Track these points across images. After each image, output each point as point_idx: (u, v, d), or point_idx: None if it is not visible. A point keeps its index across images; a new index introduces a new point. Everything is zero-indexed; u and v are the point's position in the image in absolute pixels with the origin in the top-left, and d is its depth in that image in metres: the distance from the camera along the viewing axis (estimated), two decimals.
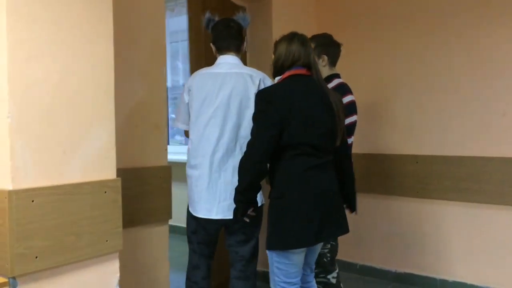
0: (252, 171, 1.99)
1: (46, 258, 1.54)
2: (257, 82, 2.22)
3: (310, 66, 2.07)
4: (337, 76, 2.66)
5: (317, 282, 2.48)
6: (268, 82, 2.26)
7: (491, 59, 3.12)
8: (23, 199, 1.48)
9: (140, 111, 2.37)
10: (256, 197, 2.12)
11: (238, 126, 2.20)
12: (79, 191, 1.63)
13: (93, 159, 1.69)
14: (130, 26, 2.31)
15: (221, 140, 2.18)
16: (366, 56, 3.67)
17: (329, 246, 2.64)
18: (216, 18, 2.38)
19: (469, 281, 3.24)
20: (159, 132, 2.46)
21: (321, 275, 2.62)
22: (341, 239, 3.79)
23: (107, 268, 1.75)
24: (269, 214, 2.06)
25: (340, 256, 3.73)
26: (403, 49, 3.49)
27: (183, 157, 3.49)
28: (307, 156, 2.00)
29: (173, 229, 3.31)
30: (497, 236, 3.13)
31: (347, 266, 3.79)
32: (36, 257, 1.51)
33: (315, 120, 2.00)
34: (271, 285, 2.13)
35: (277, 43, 2.14)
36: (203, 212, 2.21)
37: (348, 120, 2.43)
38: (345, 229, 2.16)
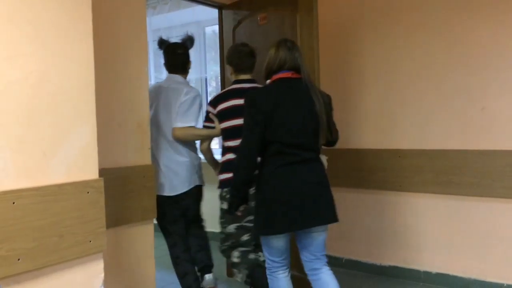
0: (244, 167, 2.24)
1: (29, 260, 1.53)
2: (182, 92, 2.87)
3: (297, 69, 2.25)
4: (236, 82, 2.88)
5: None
6: (192, 93, 2.89)
7: (471, 55, 3.17)
8: (4, 201, 1.47)
9: (122, 110, 2.36)
10: (249, 193, 2.35)
11: (160, 126, 2.87)
12: (61, 192, 1.62)
13: (74, 160, 1.68)
14: (111, 25, 2.30)
15: (156, 138, 2.87)
16: (348, 52, 3.70)
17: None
18: (169, 40, 3.05)
19: (451, 272, 3.30)
20: (141, 131, 2.45)
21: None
22: (327, 234, 3.84)
23: (91, 268, 1.74)
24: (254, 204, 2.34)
25: (327, 251, 3.79)
26: (384, 45, 3.53)
27: None
28: (283, 154, 2.20)
29: (159, 228, 3.31)
30: (478, 228, 3.19)
31: (333, 260, 3.80)
32: (19, 259, 1.50)
33: (295, 120, 2.20)
34: None
35: (268, 50, 2.34)
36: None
37: (226, 124, 2.80)
38: (323, 220, 2.27)
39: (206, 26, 5.22)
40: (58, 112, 1.63)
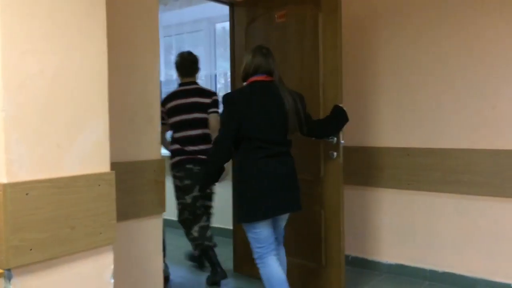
0: (218, 157, 2.57)
1: (41, 250, 1.55)
2: None
3: (271, 73, 2.53)
4: (181, 84, 3.53)
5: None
6: None
7: (482, 53, 3.16)
8: (18, 192, 1.50)
9: (134, 105, 2.38)
10: (219, 177, 2.71)
11: None
12: (74, 184, 1.65)
13: (87, 152, 1.70)
14: (123, 21, 2.32)
15: None
16: (359, 51, 3.70)
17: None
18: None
19: (458, 271, 3.30)
20: (152, 126, 2.47)
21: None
22: None
23: (102, 260, 1.77)
24: (233, 195, 2.61)
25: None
26: (395, 44, 3.52)
27: None
28: (259, 148, 2.48)
29: (167, 223, 3.37)
30: (486, 227, 3.19)
31: None
32: (31, 249, 1.53)
33: (267, 117, 2.49)
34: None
35: (244, 55, 2.66)
36: None
37: (173, 120, 3.43)
38: (295, 207, 2.60)
39: (216, 22, 5.24)
40: (72, 106, 1.65)
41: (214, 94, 3.59)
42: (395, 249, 3.61)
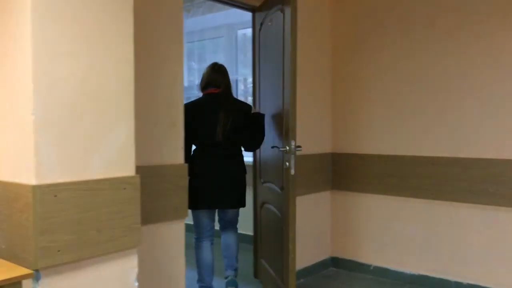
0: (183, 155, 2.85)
1: (68, 251, 1.57)
2: None
3: (219, 86, 3.02)
4: None
5: None
6: None
7: (507, 62, 3.10)
8: (47, 193, 1.52)
9: (158, 110, 2.40)
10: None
11: None
12: (100, 187, 1.67)
13: (113, 156, 1.72)
14: (149, 26, 2.35)
15: None
16: (384, 58, 3.67)
17: None
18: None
19: (483, 283, 3.22)
20: (176, 131, 2.49)
21: None
22: (356, 240, 3.82)
23: (126, 263, 1.78)
24: None
25: (354, 257, 3.77)
26: (420, 52, 3.48)
27: None
28: (203, 151, 3.00)
29: (188, 228, 3.40)
30: None
31: (361, 267, 3.79)
32: (59, 251, 1.55)
33: (209, 124, 2.95)
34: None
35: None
36: None
37: None
38: (235, 204, 3.04)
39: (238, 29, 5.27)
40: (100, 110, 1.68)
41: None
42: (419, 259, 3.54)
